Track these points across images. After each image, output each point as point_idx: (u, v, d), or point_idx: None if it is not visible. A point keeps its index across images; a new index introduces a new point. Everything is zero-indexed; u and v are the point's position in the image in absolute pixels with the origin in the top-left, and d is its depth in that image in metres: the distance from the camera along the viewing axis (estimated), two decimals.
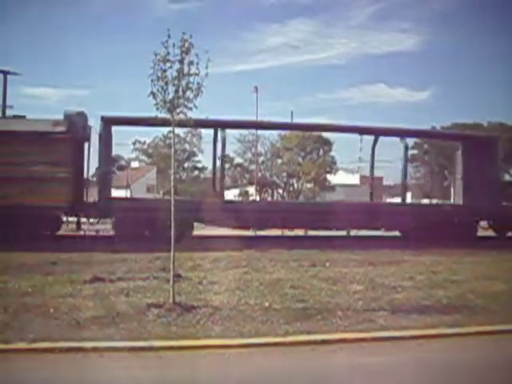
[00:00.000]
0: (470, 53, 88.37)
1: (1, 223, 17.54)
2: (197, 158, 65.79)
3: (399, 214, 21.67)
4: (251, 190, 51.91)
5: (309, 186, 56.34)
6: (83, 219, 20.51)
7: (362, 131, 23.26)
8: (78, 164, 19.69)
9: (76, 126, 18.88)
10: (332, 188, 55.90)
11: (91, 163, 20.62)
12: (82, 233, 20.63)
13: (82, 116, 19.95)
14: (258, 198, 42.53)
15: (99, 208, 19.87)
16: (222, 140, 21.54)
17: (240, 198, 44.20)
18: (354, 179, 55.53)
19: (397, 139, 23.21)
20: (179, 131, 14.47)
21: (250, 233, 23.03)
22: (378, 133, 22.87)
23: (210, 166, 28.57)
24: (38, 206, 17.64)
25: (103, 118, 20.12)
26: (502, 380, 7.00)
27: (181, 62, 9.60)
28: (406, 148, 23.49)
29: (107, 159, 21.25)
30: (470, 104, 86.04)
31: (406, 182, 25.35)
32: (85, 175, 20.39)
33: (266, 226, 22.61)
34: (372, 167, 23.40)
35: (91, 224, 21.48)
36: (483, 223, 22.95)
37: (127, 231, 18.72)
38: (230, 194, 44.74)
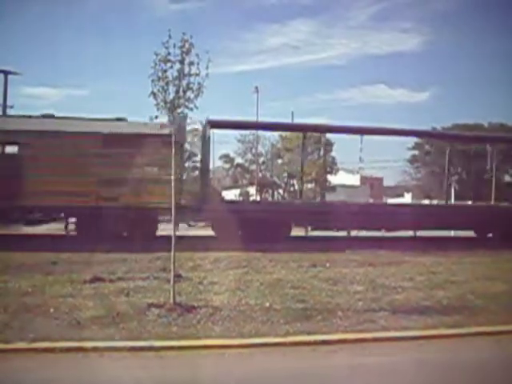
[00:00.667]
0: (471, 53, 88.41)
1: (118, 223, 17.84)
2: (197, 158, 65.66)
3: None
4: (252, 190, 51.90)
5: (309, 186, 56.27)
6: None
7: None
8: (181, 166, 19.92)
9: (181, 128, 19.10)
10: (333, 188, 55.87)
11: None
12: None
13: (184, 119, 20.14)
14: (258, 198, 42.44)
15: (205, 209, 19.57)
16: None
17: (241, 198, 44.10)
18: (355, 180, 55.51)
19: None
20: None
21: None
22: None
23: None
24: (149, 206, 18.18)
25: (209, 122, 20.46)
26: (502, 381, 6.99)
27: (181, 62, 9.61)
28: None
29: (208, 161, 22.03)
30: (470, 105, 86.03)
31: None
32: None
33: (370, 228, 22.33)
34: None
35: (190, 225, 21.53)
36: None
37: (228, 232, 18.23)
38: (231, 194, 44.69)
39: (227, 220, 17.72)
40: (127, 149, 18.02)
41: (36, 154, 17.89)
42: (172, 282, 9.78)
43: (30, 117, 19.17)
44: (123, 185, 17.87)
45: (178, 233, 9.88)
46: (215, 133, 25.46)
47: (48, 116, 19.24)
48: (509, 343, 8.58)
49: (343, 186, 55.52)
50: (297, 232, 23.54)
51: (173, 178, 10.14)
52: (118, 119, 19.73)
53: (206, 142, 21.55)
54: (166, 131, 9.79)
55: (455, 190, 38.32)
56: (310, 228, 24.37)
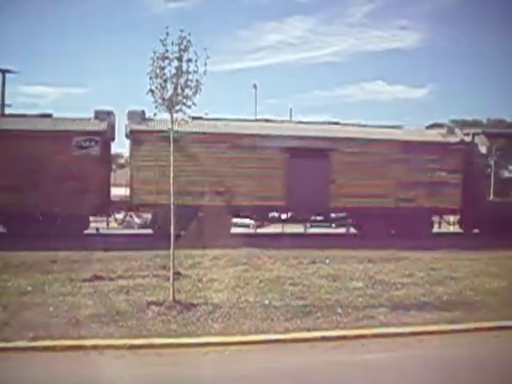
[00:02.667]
0: (469, 49, 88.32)
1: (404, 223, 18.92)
2: None
3: None
4: None
5: None
6: None
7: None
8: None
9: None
10: None
11: None
12: None
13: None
14: None
15: None
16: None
17: None
18: None
19: None
20: None
21: (250, 230, 23.01)
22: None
23: None
24: (440, 207, 19.52)
25: None
26: (501, 375, 7.01)
27: (179, 59, 9.60)
28: None
29: None
30: (469, 101, 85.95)
31: None
32: None
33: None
34: None
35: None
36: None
37: None
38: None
39: None
40: (422, 155, 19.29)
41: (345, 159, 18.95)
42: (171, 279, 9.80)
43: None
44: (418, 188, 19.24)
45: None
46: None
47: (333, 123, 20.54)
48: (508, 338, 8.60)
49: None
50: (296, 229, 23.55)
51: (172, 178, 10.14)
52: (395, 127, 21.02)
53: None
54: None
55: None
56: (309, 225, 24.32)
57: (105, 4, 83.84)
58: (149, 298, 9.96)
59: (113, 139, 19.05)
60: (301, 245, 16.41)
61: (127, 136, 18.58)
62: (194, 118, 19.06)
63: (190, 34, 9.58)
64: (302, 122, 21.12)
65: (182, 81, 9.68)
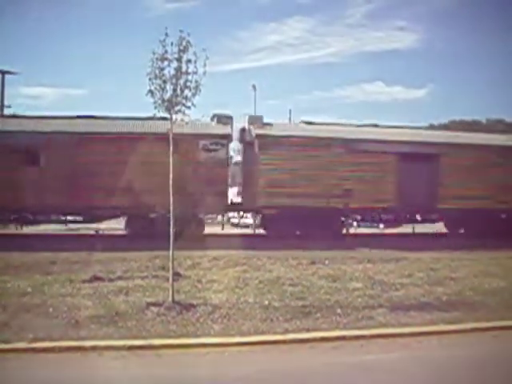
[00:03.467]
0: (467, 50, 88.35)
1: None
2: None
3: None
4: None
5: None
6: None
7: None
8: None
9: None
10: None
11: None
12: None
13: None
14: None
15: None
16: None
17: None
18: None
19: None
20: None
21: (248, 231, 23.02)
22: None
23: None
24: None
25: None
26: (500, 376, 7.01)
27: (179, 60, 9.59)
28: None
29: None
30: (467, 101, 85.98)
31: None
32: None
33: None
34: None
35: None
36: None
37: None
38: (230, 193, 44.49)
39: None
40: None
41: (453, 163, 19.89)
42: (171, 280, 9.80)
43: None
44: None
45: None
46: None
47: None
48: (507, 339, 8.61)
49: None
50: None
51: (171, 178, 10.16)
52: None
53: None
54: None
55: None
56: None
57: (104, 5, 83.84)
58: (148, 298, 9.96)
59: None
60: (301, 245, 16.45)
61: (241, 140, 19.95)
62: (307, 123, 20.59)
63: (189, 34, 9.60)
64: (411, 127, 22.71)
65: (181, 82, 9.68)
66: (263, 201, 18.77)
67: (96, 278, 11.67)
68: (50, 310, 9.26)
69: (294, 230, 18.95)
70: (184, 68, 9.66)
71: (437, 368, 7.30)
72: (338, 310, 9.65)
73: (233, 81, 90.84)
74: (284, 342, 8.28)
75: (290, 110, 40.44)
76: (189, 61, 9.63)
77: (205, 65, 9.60)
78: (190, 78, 9.69)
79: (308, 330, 8.66)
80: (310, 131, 19.85)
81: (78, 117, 19.13)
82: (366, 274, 12.70)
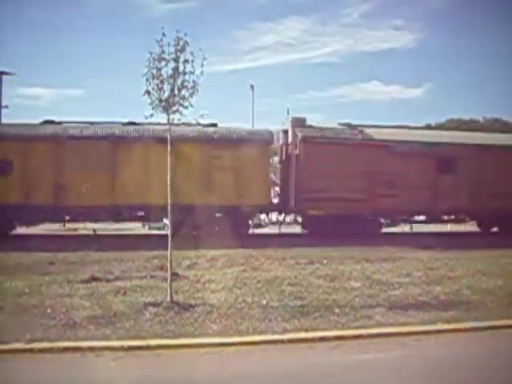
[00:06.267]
0: (464, 49, 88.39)
1: None
2: None
3: None
4: None
5: None
6: None
7: None
8: None
9: None
10: None
11: None
12: None
13: None
14: None
15: None
16: None
17: None
18: None
19: None
20: None
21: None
22: None
23: None
24: None
25: None
26: (498, 375, 7.02)
27: (176, 60, 9.58)
28: None
29: None
30: (464, 100, 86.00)
31: None
32: None
33: None
34: None
35: None
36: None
37: None
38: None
39: None
40: None
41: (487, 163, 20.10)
42: (169, 280, 9.78)
43: None
44: None
45: None
46: None
47: None
48: (505, 338, 8.62)
49: None
50: (293, 229, 23.51)
51: (169, 178, 10.16)
52: None
53: None
54: None
55: None
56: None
57: (102, 6, 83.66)
58: (146, 299, 9.95)
59: None
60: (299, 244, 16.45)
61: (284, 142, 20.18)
62: (346, 125, 20.91)
63: (186, 34, 9.59)
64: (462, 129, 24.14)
65: (178, 82, 9.67)
66: (305, 203, 19.12)
67: (94, 278, 11.66)
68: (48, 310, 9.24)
69: (336, 230, 19.08)
70: (181, 68, 9.65)
71: (435, 367, 7.31)
72: (337, 310, 9.66)
73: (230, 81, 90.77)
74: (282, 341, 8.28)
75: (288, 110, 40.29)
76: (186, 61, 9.63)
77: (202, 65, 9.60)
78: (187, 77, 9.69)
79: (306, 330, 8.66)
80: (350, 134, 20.20)
81: None
82: (364, 274, 12.70)
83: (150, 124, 17.45)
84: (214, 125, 19.35)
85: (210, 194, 17.88)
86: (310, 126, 19.91)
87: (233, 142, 18.80)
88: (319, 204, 18.84)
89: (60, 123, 18.52)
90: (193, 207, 17.26)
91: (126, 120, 19.08)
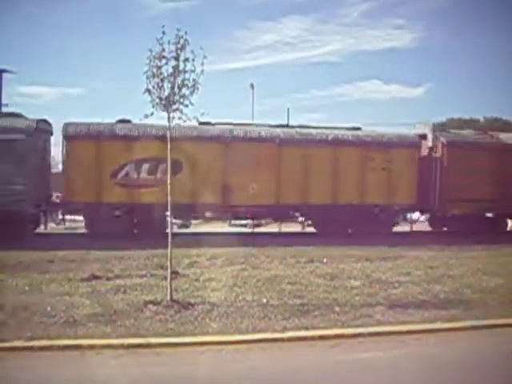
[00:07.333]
0: (465, 48, 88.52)
1: None
2: None
3: None
4: None
5: None
6: None
7: None
8: None
9: None
10: None
11: None
12: None
13: None
14: None
15: None
16: None
17: None
18: None
19: None
20: None
21: (246, 229, 23.02)
22: None
23: None
24: None
25: None
26: (499, 373, 7.02)
27: (176, 58, 9.57)
28: None
29: None
30: (465, 99, 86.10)
31: None
32: None
33: None
34: None
35: None
36: None
37: None
38: None
39: None
40: None
41: None
42: (169, 278, 9.78)
43: None
44: None
45: None
46: None
47: None
48: (505, 336, 8.61)
49: None
50: (293, 228, 23.55)
51: (169, 178, 10.16)
52: None
53: None
54: None
55: None
56: (306, 223, 24.41)
57: (102, 4, 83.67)
58: (146, 297, 9.95)
59: None
60: (299, 243, 16.44)
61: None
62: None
63: (186, 32, 9.57)
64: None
65: (179, 80, 9.66)
66: (448, 203, 20.34)
67: (94, 277, 11.67)
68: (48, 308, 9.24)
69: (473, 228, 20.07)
70: (181, 66, 9.64)
71: (435, 365, 7.31)
72: (337, 308, 9.66)
73: (230, 79, 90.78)
74: (282, 340, 8.27)
75: (288, 109, 40.28)
76: (186, 59, 9.61)
77: (202, 63, 9.59)
78: (187, 76, 9.67)
79: (306, 328, 8.65)
80: (483, 138, 21.46)
81: None
82: (364, 272, 12.70)
83: (315, 128, 20.28)
84: (358, 128, 20.69)
85: (365, 194, 19.58)
86: (446, 131, 21.81)
87: (385, 145, 20.04)
88: (460, 204, 20.15)
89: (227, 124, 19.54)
90: (352, 206, 19.32)
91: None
